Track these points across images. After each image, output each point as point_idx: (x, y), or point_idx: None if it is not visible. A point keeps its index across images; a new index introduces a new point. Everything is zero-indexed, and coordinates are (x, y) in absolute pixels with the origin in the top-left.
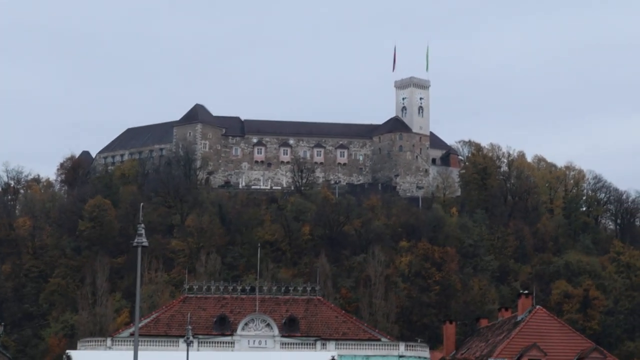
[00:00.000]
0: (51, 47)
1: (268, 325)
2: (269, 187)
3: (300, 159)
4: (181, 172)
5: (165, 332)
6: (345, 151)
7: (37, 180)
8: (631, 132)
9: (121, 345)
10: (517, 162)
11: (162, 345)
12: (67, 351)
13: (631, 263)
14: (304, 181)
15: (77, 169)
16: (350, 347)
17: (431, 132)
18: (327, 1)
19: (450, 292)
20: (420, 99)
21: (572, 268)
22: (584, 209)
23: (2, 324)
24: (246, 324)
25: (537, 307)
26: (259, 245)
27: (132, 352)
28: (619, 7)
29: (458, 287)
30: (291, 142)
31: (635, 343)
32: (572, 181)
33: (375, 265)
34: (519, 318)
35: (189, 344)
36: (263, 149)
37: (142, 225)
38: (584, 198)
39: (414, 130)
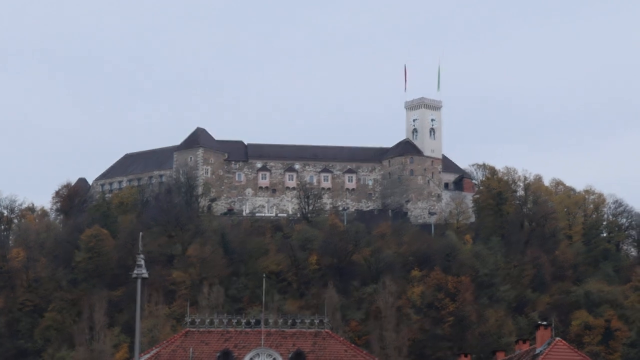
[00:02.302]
0: (45, 70)
1: (274, 359)
2: (274, 214)
3: (307, 184)
4: (182, 200)
5: None
6: (354, 176)
7: (31, 209)
8: None
9: None
10: (534, 187)
11: None
12: None
13: None
14: (310, 208)
15: (73, 197)
16: None
17: (443, 155)
18: (333, 20)
19: (465, 324)
20: (432, 120)
21: (592, 297)
22: (605, 235)
23: None
24: (251, 359)
25: (557, 338)
26: (264, 275)
27: None
28: None
29: (473, 319)
30: (297, 167)
31: None
32: (591, 206)
33: (386, 296)
34: (537, 351)
35: None
36: (267, 174)
37: (142, 255)
38: (605, 223)
39: (426, 153)
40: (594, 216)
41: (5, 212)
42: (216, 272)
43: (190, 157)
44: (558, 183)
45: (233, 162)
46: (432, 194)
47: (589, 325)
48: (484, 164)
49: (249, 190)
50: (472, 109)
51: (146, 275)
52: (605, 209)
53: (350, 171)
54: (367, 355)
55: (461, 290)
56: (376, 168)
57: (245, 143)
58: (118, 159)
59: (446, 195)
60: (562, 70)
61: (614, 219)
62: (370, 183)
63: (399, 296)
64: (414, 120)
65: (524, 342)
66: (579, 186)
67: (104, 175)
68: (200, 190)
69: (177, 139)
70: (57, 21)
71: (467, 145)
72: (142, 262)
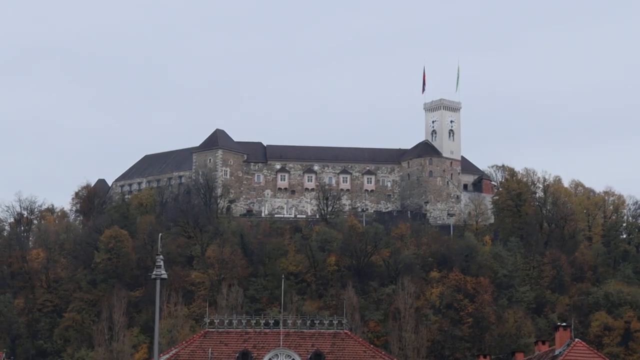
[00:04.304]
0: (66, 72)
1: None
2: (293, 215)
3: (326, 185)
4: (201, 201)
5: None
6: (373, 177)
7: (51, 210)
8: None
9: None
10: (554, 188)
11: None
12: None
13: None
14: (329, 209)
15: (92, 198)
16: None
17: (462, 157)
18: (352, 22)
19: (484, 325)
20: (451, 121)
21: (612, 299)
22: (624, 236)
23: None
24: None
25: (576, 340)
26: (282, 276)
27: None
28: None
29: (492, 320)
30: (316, 168)
31: None
32: (611, 207)
33: (405, 297)
34: (556, 352)
35: None
36: (286, 175)
37: (161, 256)
38: (624, 225)
39: (445, 154)
40: (613, 217)
41: (25, 213)
42: (235, 273)
43: (210, 159)
44: (577, 184)
45: (252, 164)
46: (451, 195)
47: (608, 327)
48: (503, 165)
49: (268, 192)
50: (491, 110)
51: (165, 276)
52: (625, 210)
53: (369, 172)
54: (386, 356)
55: (480, 291)
56: (395, 169)
57: (264, 144)
58: (137, 160)
59: (465, 197)
60: (581, 71)
61: (633, 220)
62: (389, 184)
63: (417, 297)
64: (433, 122)
65: (543, 343)
66: (599, 187)
67: (123, 177)
68: (219, 191)
69: (196, 141)
70: (79, 24)
71: (486, 147)
72: (162, 263)
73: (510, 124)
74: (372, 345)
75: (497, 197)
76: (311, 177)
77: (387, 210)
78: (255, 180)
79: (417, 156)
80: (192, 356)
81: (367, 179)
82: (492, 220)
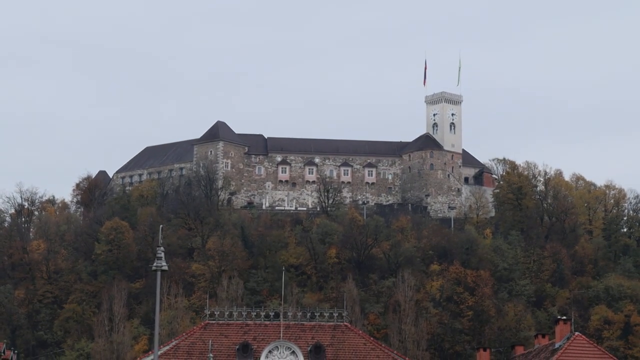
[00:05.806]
0: (66, 64)
1: (293, 352)
2: (293, 207)
3: (327, 178)
4: (202, 193)
5: None
6: (374, 170)
7: (51, 201)
8: None
9: None
10: (554, 181)
11: None
12: None
13: None
14: (330, 202)
15: (93, 189)
16: None
17: (464, 150)
18: (354, 14)
19: (484, 318)
20: (452, 114)
21: (612, 292)
22: (625, 230)
23: (16, 352)
24: (270, 352)
25: (576, 333)
26: (283, 268)
27: None
28: None
29: (492, 313)
30: (317, 160)
31: None
32: (612, 201)
33: (405, 289)
34: (556, 345)
35: None
36: (287, 168)
37: (162, 248)
38: (625, 219)
39: (446, 147)
40: (614, 211)
41: (26, 204)
42: (235, 265)
43: (211, 151)
44: (578, 178)
45: (253, 156)
46: (452, 188)
47: (608, 320)
48: (504, 159)
49: (269, 184)
50: (492, 104)
51: (166, 267)
52: (625, 204)
53: (370, 165)
54: (385, 349)
55: (480, 284)
56: (396, 162)
57: (266, 137)
58: (138, 151)
59: (466, 190)
60: (583, 64)
61: (634, 214)
62: (390, 177)
63: (417, 290)
64: (434, 115)
65: (543, 336)
66: (600, 181)
67: (124, 168)
68: (220, 183)
69: (198, 132)
70: (82, 15)
71: (487, 140)
72: (162, 255)
73: (512, 118)
74: (372, 338)
75: (497, 191)
76: (312, 169)
77: (387, 203)
78: (256, 173)
79: (418, 149)
80: (192, 348)
81: (368, 171)
82: (492, 214)
